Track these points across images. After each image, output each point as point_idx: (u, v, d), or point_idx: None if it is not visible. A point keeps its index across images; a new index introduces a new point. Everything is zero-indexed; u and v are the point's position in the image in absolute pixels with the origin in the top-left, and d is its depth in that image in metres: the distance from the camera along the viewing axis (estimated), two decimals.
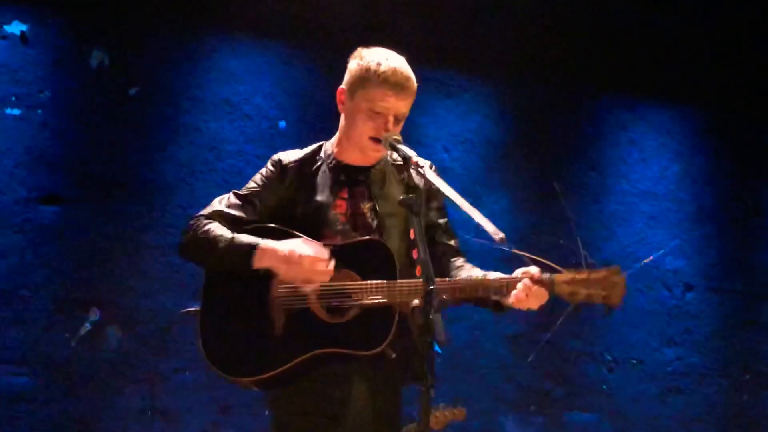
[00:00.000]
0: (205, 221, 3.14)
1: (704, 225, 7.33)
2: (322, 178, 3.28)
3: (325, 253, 3.04)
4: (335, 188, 3.27)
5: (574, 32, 7.04)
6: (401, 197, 2.91)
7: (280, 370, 3.04)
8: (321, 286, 3.08)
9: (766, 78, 7.46)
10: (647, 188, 7.20)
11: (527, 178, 6.89)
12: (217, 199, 3.27)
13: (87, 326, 5.67)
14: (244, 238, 3.06)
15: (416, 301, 2.72)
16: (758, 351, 7.29)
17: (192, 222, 3.19)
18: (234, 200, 3.22)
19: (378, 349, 3.04)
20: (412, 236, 2.82)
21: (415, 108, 6.60)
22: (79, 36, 5.91)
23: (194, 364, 5.59)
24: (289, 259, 3.01)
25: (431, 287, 2.68)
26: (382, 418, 3.19)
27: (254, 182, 3.29)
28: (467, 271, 3.30)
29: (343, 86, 3.34)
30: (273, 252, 3.02)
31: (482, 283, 3.14)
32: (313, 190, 3.24)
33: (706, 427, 7.01)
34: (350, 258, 3.13)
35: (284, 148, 6.09)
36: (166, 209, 5.89)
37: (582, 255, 3.26)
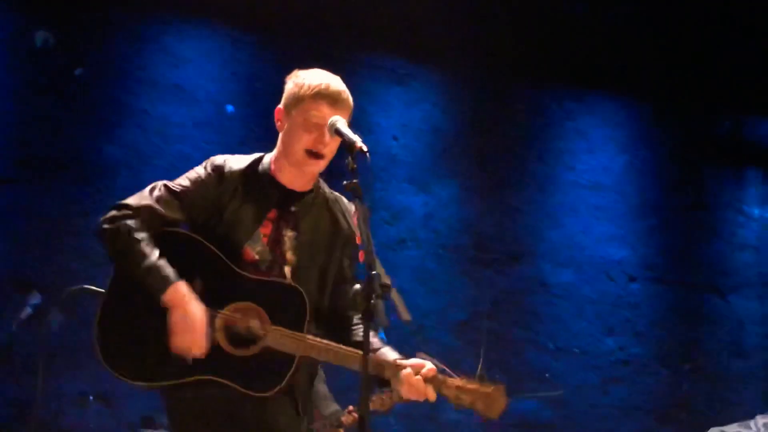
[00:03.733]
0: (133, 223, 3.11)
1: (648, 216, 7.42)
2: (255, 192, 3.26)
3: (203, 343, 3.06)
4: (265, 206, 3.26)
5: (523, 23, 7.08)
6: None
7: (168, 383, 3.09)
8: (228, 317, 3.10)
9: (711, 72, 7.56)
10: (593, 179, 7.27)
11: (475, 167, 6.93)
12: (148, 189, 3.22)
13: (28, 309, 5.60)
14: (167, 269, 3.06)
15: (358, 286, 2.73)
16: (698, 342, 7.41)
17: (119, 213, 3.15)
18: (165, 194, 3.18)
19: (268, 394, 3.08)
20: (354, 222, 2.81)
21: (364, 96, 6.66)
22: (23, 15, 5.83)
23: None
24: (187, 320, 3.04)
25: (374, 272, 2.69)
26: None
27: (188, 180, 3.24)
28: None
29: (279, 106, 3.33)
30: (182, 302, 3.04)
31: (381, 364, 3.22)
32: (244, 202, 3.22)
33: (646, 416, 7.11)
34: (263, 295, 3.15)
35: (232, 132, 6.16)
36: (110, 192, 5.83)
37: (479, 368, 3.46)
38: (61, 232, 5.70)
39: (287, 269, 3.24)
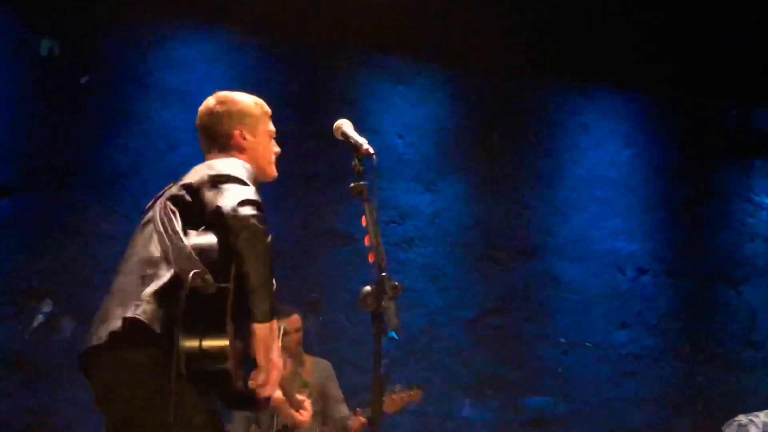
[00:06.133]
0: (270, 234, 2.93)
1: (656, 209, 7.40)
2: None
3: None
4: None
5: (527, 19, 7.07)
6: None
7: None
8: None
9: (716, 62, 7.55)
10: (600, 173, 7.25)
11: (480, 164, 6.92)
12: (253, 188, 3.00)
13: (40, 318, 5.62)
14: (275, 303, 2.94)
15: (368, 288, 2.73)
16: (711, 333, 7.39)
17: (263, 215, 2.90)
18: None
19: None
20: (363, 223, 2.81)
21: (369, 96, 6.67)
22: (28, 25, 5.85)
23: None
24: (273, 363, 2.91)
25: (384, 274, 2.70)
26: None
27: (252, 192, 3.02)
28: None
29: (241, 127, 3.42)
30: (273, 344, 2.90)
31: None
32: None
33: (660, 409, 7.10)
34: None
35: None
36: (118, 199, 5.85)
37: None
38: (71, 240, 5.72)
39: None
